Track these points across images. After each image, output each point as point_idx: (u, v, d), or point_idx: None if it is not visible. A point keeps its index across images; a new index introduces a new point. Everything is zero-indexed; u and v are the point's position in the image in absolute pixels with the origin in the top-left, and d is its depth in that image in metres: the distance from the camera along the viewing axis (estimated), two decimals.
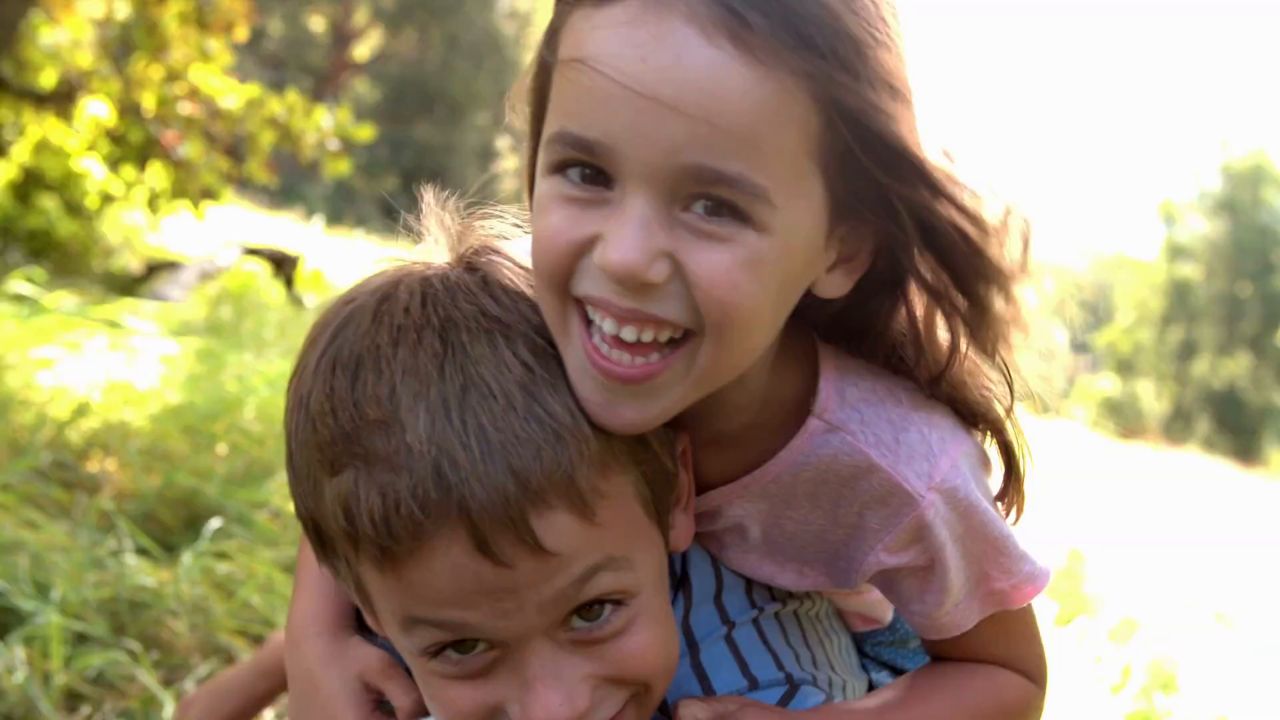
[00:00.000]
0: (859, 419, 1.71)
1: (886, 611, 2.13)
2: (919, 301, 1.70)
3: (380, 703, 1.83)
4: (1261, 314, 59.06)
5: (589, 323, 1.49)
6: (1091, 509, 13.00)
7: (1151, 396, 60.94)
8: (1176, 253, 64.61)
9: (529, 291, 1.58)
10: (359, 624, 1.89)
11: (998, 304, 1.62)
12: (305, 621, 1.90)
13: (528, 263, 1.61)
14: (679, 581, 1.84)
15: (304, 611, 1.91)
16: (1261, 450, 50.53)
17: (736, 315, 1.45)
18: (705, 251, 1.42)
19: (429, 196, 1.71)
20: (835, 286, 1.61)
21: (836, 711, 1.80)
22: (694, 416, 1.64)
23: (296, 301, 12.72)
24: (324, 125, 12.49)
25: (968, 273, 1.60)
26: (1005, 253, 1.60)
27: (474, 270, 1.61)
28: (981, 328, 1.64)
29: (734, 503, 1.78)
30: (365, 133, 12.90)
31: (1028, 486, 1.82)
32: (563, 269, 1.48)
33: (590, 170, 1.45)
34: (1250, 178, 61.34)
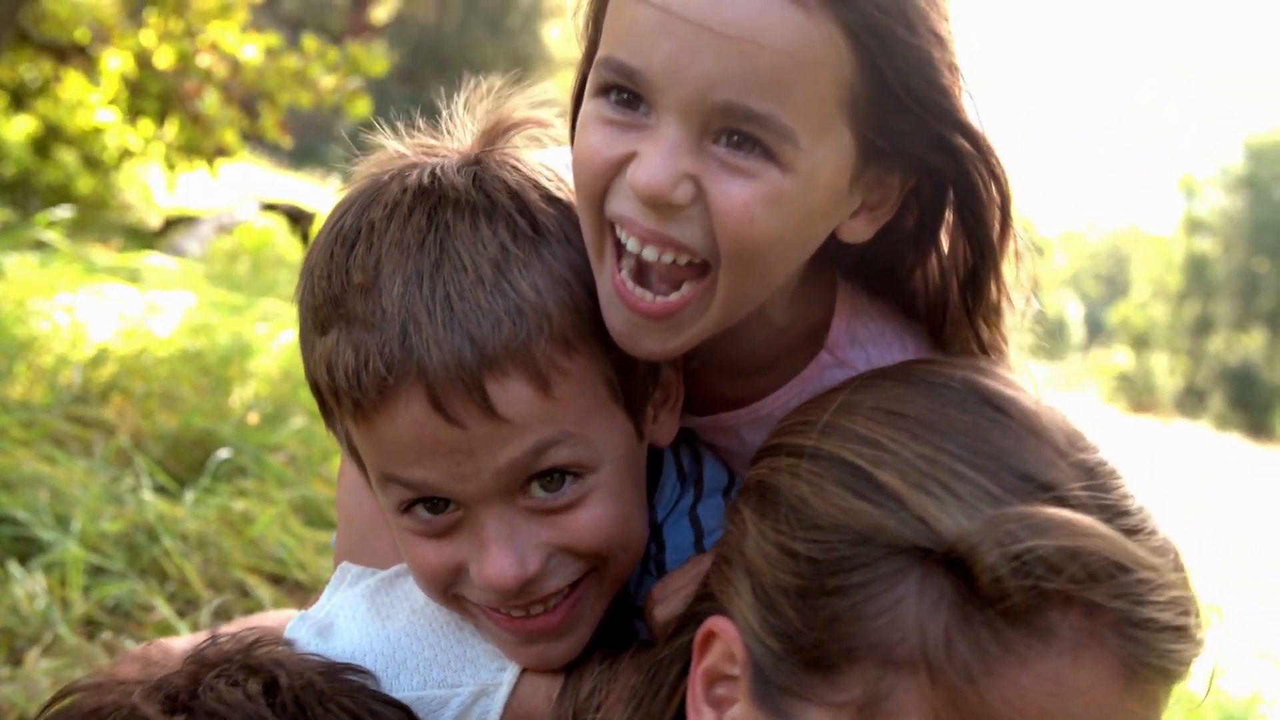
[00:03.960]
0: (865, 358, 1.81)
1: None
2: (936, 260, 1.79)
3: None
4: (1278, 290, 58.76)
5: (620, 251, 1.59)
6: None
7: (1165, 371, 60.72)
8: (1195, 227, 64.23)
9: (526, 184, 1.68)
10: None
11: (1005, 266, 1.72)
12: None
13: (541, 161, 1.73)
14: (694, 479, 1.93)
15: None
16: (1274, 427, 50.35)
17: (751, 246, 1.54)
18: (728, 183, 1.51)
19: (463, 93, 1.80)
20: (858, 232, 1.69)
21: None
22: (716, 340, 1.72)
23: None
24: (338, 61, 12.54)
25: (987, 229, 1.68)
26: (1015, 219, 1.69)
27: (477, 161, 1.70)
28: (985, 284, 1.73)
29: (745, 426, 1.87)
30: (379, 65, 12.89)
31: None
32: (599, 186, 1.58)
33: (629, 95, 1.54)
34: (1272, 154, 60.81)
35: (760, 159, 1.51)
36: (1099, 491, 1.37)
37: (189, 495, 4.81)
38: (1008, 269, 1.72)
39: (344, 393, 1.60)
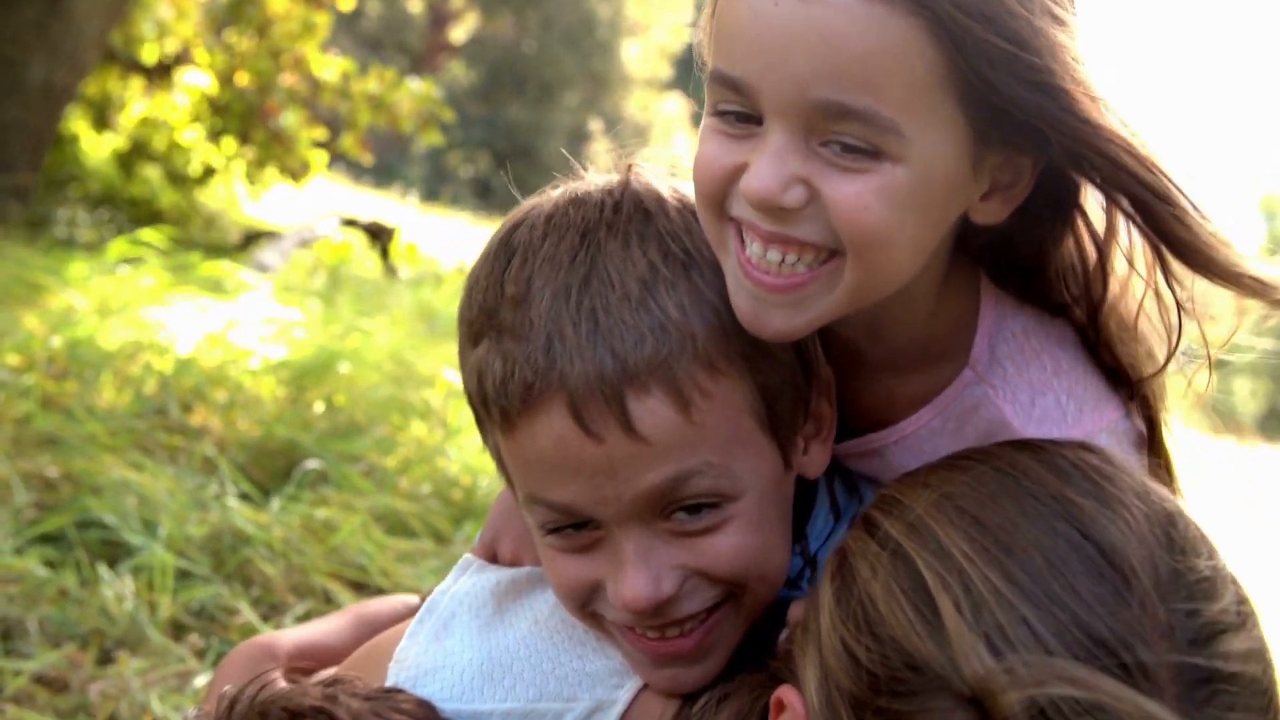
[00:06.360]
0: (1002, 375, 1.81)
1: None
2: (1085, 227, 1.79)
3: None
4: None
5: (744, 241, 1.61)
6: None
7: (1247, 394, 59.74)
8: (1276, 247, 63.16)
9: (683, 211, 1.71)
10: None
11: (1174, 226, 1.67)
12: None
13: (682, 187, 1.76)
14: (850, 514, 1.94)
15: None
16: None
17: (872, 238, 1.55)
18: (839, 179, 1.53)
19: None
20: (991, 214, 1.68)
21: None
22: (860, 339, 1.77)
23: (391, 272, 12.91)
24: (413, 90, 12.94)
25: (1141, 200, 1.63)
26: (1170, 184, 1.63)
27: (629, 186, 1.74)
28: (1163, 242, 1.69)
29: (890, 448, 1.88)
30: (446, 113, 13.39)
31: (1176, 467, 1.89)
32: (717, 192, 1.62)
33: (743, 111, 1.58)
34: None
35: (869, 159, 1.52)
36: (1179, 650, 1.26)
37: (274, 503, 4.88)
38: (1181, 230, 1.69)
39: (492, 402, 1.63)
